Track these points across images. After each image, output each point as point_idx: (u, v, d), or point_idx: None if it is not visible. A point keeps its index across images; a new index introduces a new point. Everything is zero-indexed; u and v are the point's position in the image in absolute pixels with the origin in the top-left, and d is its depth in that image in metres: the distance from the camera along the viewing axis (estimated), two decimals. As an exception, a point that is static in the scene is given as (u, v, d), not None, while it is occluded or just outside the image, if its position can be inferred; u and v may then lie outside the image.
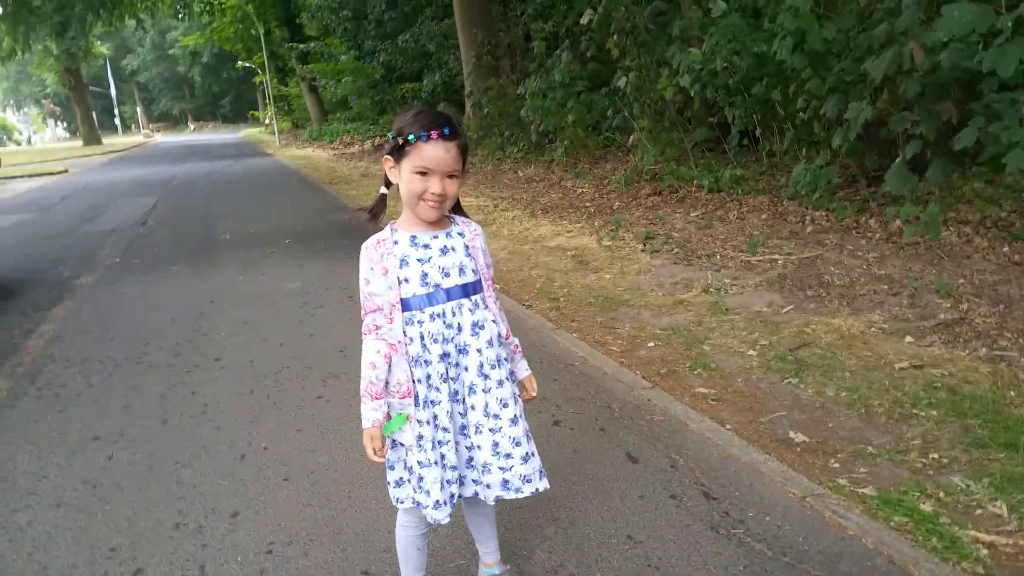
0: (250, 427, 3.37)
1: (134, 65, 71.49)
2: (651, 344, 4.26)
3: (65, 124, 69.50)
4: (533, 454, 1.87)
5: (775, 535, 2.35)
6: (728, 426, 3.17)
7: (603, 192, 9.28)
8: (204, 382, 3.94)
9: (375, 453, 1.78)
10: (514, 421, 1.82)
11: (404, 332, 1.75)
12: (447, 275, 1.76)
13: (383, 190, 1.82)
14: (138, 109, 73.64)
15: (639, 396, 3.50)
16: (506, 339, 1.91)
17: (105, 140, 46.57)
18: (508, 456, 1.81)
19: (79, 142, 45.26)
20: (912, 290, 4.59)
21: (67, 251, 8.19)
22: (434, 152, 1.65)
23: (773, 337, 4.17)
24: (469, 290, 1.78)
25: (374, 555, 2.33)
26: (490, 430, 1.80)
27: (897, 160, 5.38)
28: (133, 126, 73.01)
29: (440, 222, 1.79)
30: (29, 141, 66.19)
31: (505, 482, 1.83)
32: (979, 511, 2.46)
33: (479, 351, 1.79)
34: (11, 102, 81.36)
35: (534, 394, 2.00)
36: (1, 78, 74.30)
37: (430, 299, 1.75)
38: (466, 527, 2.14)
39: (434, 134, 1.64)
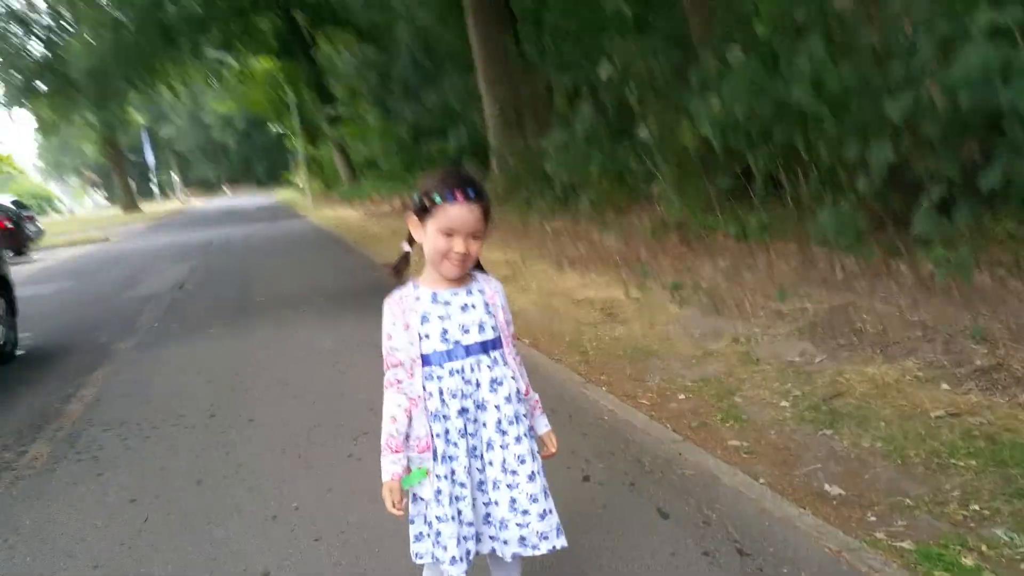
0: (282, 487, 3.39)
1: (170, 133, 73.90)
2: (681, 396, 4.23)
3: (105, 193, 71.72)
4: (551, 511, 1.88)
5: (811, 592, 2.30)
6: (762, 480, 3.13)
7: (630, 243, 9.30)
8: (238, 442, 3.99)
9: (394, 506, 1.80)
10: (532, 478, 1.84)
11: (424, 387, 1.79)
12: (467, 332, 1.80)
13: (405, 247, 1.88)
14: (174, 175, 75.83)
15: (670, 449, 3.47)
16: (526, 395, 1.94)
17: (143, 206, 47.97)
18: (525, 513, 1.83)
19: (118, 209, 46.66)
20: (947, 336, 4.52)
21: (107, 317, 8.39)
22: (459, 213, 1.71)
23: (806, 387, 4.12)
24: (488, 347, 1.82)
25: None
26: (508, 486, 1.82)
27: (924, 203, 5.35)
28: (169, 192, 75.14)
29: (462, 279, 1.84)
30: (71, 211, 68.40)
31: (522, 539, 1.83)
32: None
33: (497, 407, 1.82)
34: (54, 174, 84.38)
35: (553, 450, 2.01)
36: (45, 151, 77.31)
37: (449, 355, 1.79)
38: None
39: (459, 196, 1.71)
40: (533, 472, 1.84)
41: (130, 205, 43.84)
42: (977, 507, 2.75)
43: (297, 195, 39.70)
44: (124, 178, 45.12)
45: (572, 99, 13.01)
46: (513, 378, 1.86)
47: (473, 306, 1.83)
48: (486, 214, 1.77)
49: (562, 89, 13.42)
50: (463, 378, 1.80)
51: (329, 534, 2.92)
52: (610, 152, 10.72)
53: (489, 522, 1.86)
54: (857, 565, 2.42)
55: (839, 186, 6.88)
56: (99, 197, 72.61)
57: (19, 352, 6.83)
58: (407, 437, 1.83)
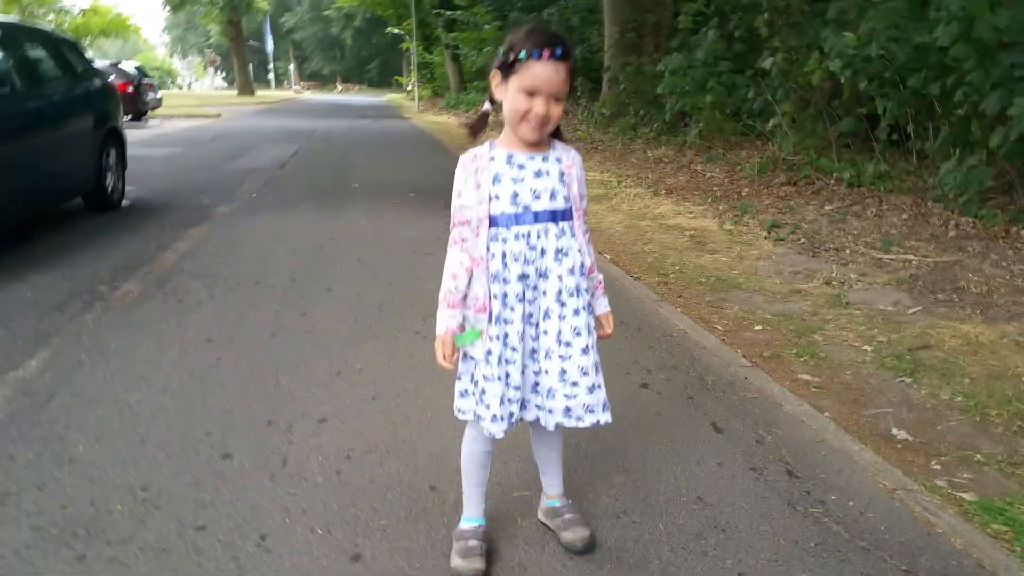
0: (349, 349, 3.50)
1: (291, 23, 74.99)
2: (758, 327, 4.11)
3: (224, 74, 73.95)
4: (599, 386, 1.85)
5: (856, 520, 2.23)
6: (826, 414, 3.02)
7: (734, 179, 8.97)
8: (314, 306, 4.13)
9: (445, 359, 1.81)
10: (585, 351, 1.81)
11: (488, 247, 1.77)
12: (538, 197, 1.76)
13: (486, 106, 1.82)
14: (291, 66, 77.31)
15: (735, 372, 3.38)
16: (589, 273, 1.89)
17: (258, 92, 49.25)
18: (575, 384, 1.80)
19: (235, 91, 48.11)
20: (1058, 305, 4.21)
21: (209, 183, 8.74)
22: (544, 72, 1.63)
23: (893, 335, 3.93)
24: (558, 216, 1.78)
25: (443, 474, 2.38)
26: (560, 357, 1.79)
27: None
28: (285, 82, 76.84)
29: (540, 144, 1.78)
30: (190, 87, 71.03)
31: (568, 410, 1.82)
32: (1098, 533, 2.24)
33: (559, 277, 1.78)
34: (178, 49, 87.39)
35: (610, 331, 1.97)
36: (171, 26, 79.92)
37: (517, 219, 1.75)
38: (533, 459, 2.15)
39: (546, 53, 1.62)
40: (587, 346, 1.81)
41: (245, 88, 45.06)
42: (1055, 473, 2.59)
43: (406, 98, 39.91)
44: (243, 61, 46.25)
45: (698, 23, 12.45)
46: (579, 251, 1.82)
47: (548, 173, 1.77)
48: (572, 75, 1.69)
49: (690, 10, 12.85)
50: (528, 244, 1.76)
51: (386, 395, 3.01)
52: (729, 81, 10.25)
53: (537, 391, 1.85)
54: (911, 505, 2.32)
55: (970, 142, 6.40)
56: (218, 79, 74.94)
57: (125, 203, 7.23)
58: (465, 297, 1.82)
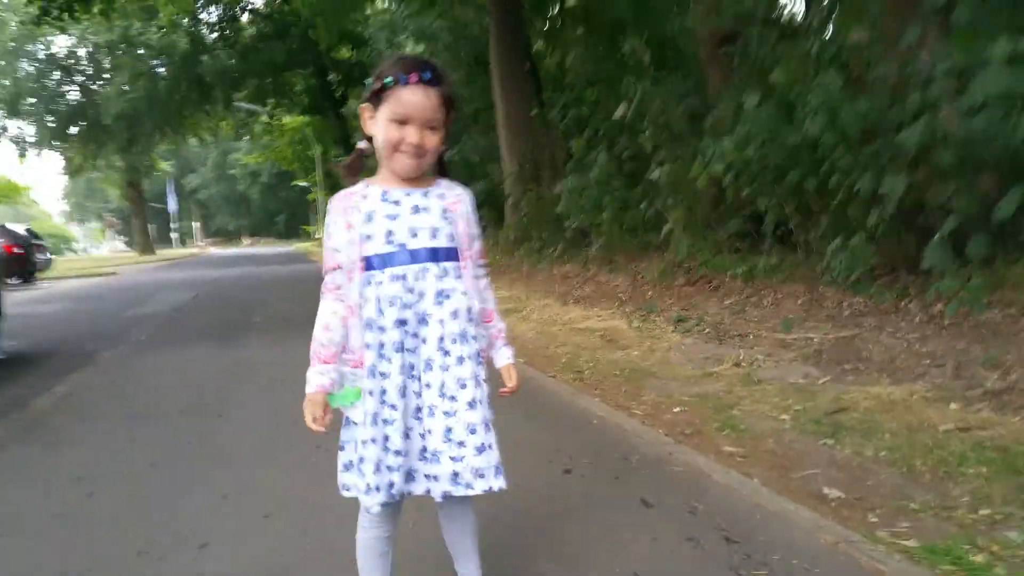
0: (241, 471, 3.18)
1: (195, 183, 75.17)
2: (677, 409, 4.00)
3: (125, 238, 72.63)
4: (491, 447, 1.63)
5: (803, 577, 2.05)
6: (756, 479, 2.89)
7: (637, 285, 9.13)
8: (204, 433, 3.78)
9: (315, 421, 1.58)
10: (472, 405, 1.61)
11: (361, 293, 1.60)
12: (415, 235, 1.60)
13: (361, 144, 1.70)
14: (195, 224, 76.84)
15: (661, 450, 3.23)
16: (488, 321, 1.74)
17: (160, 252, 48.33)
18: (461, 444, 1.60)
19: (135, 253, 47.08)
20: (956, 363, 4.29)
21: (99, 331, 8.24)
22: (413, 97, 1.53)
23: (808, 403, 3.88)
24: (440, 255, 1.62)
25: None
26: (444, 413, 1.59)
27: (936, 236, 5.17)
28: (188, 240, 76.03)
29: (420, 180, 1.65)
30: (86, 251, 69.25)
31: (455, 475, 1.60)
32: (1042, 565, 2.13)
33: (441, 322, 1.60)
34: (77, 217, 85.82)
35: (512, 385, 1.76)
36: (71, 194, 78.84)
37: (392, 259, 1.59)
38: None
39: (413, 77, 1.53)
40: (474, 399, 1.61)
41: (147, 249, 44.14)
42: (988, 511, 2.50)
43: (315, 246, 39.98)
44: (143, 221, 45.57)
45: (589, 146, 13.07)
46: (465, 294, 1.64)
47: (427, 209, 1.63)
48: (447, 102, 1.58)
49: (580, 140, 13.50)
50: (405, 286, 1.59)
51: (281, 512, 2.70)
52: (622, 196, 10.66)
53: (424, 458, 1.62)
54: (857, 556, 2.18)
55: (849, 226, 6.73)
56: (118, 242, 73.54)
57: (1, 356, 6.66)
58: (343, 350, 1.63)
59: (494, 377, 1.76)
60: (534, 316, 7.65)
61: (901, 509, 2.60)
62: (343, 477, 1.65)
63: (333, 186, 37.30)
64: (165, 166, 51.26)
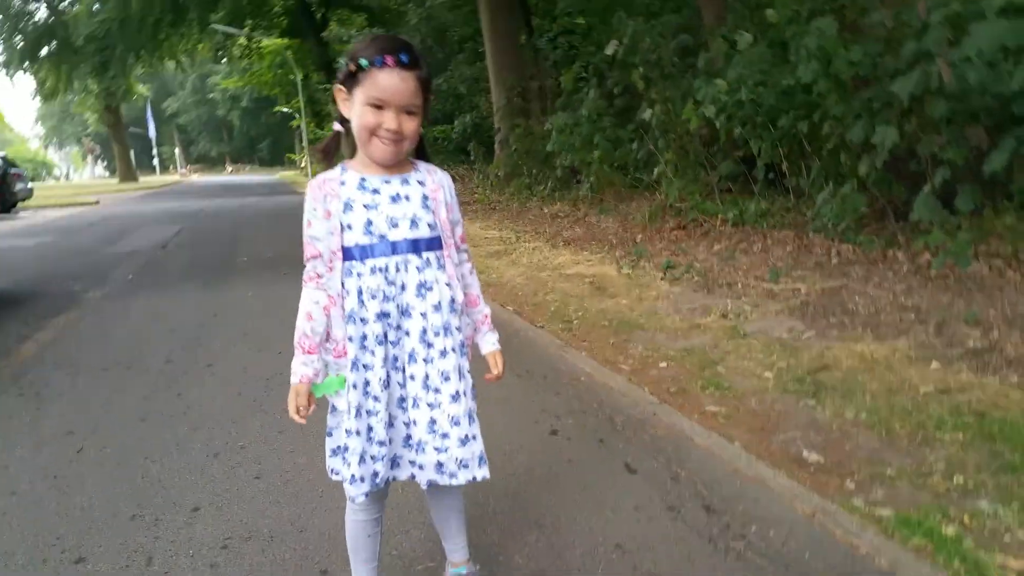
0: (231, 428, 3.20)
1: (174, 107, 73.47)
2: (663, 364, 4.04)
3: (105, 163, 71.39)
4: (474, 438, 1.65)
5: (778, 551, 2.12)
6: (737, 443, 2.94)
7: (627, 227, 9.11)
8: (192, 385, 3.80)
9: (297, 412, 1.58)
10: (455, 398, 1.61)
11: (343, 284, 1.57)
12: (395, 226, 1.56)
13: (336, 127, 1.64)
14: (176, 150, 75.44)
15: (644, 411, 3.28)
16: (472, 306, 1.73)
17: (142, 179, 47.59)
18: (445, 436, 1.60)
19: (116, 180, 46.36)
20: (940, 319, 4.34)
21: (83, 269, 8.18)
22: (389, 81, 1.47)
23: (791, 360, 3.94)
24: (421, 246, 1.59)
25: (337, 554, 2.12)
26: (428, 405, 1.60)
27: (925, 188, 5.16)
28: (171, 167, 74.74)
29: (398, 166, 1.60)
30: (67, 177, 68.05)
31: (439, 465, 1.61)
32: (1007, 537, 2.20)
33: (423, 315, 1.59)
34: (54, 141, 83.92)
35: (498, 372, 1.76)
36: (45, 117, 76.90)
37: (372, 250, 1.56)
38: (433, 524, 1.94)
39: (389, 59, 1.46)
40: (458, 392, 1.61)
41: (127, 175, 43.42)
42: (961, 479, 2.56)
43: (299, 175, 39.43)
44: (123, 148, 44.68)
45: (579, 82, 12.84)
46: (448, 285, 1.62)
47: (407, 197, 1.58)
48: (424, 86, 1.52)
49: (570, 73, 13.24)
50: (386, 278, 1.56)
51: (271, 474, 2.73)
52: (613, 135, 10.53)
53: (409, 444, 1.64)
54: (832, 528, 2.24)
55: (840, 173, 6.71)
56: (99, 168, 72.28)
57: (-17, 297, 6.63)
58: (326, 338, 1.62)
59: (478, 363, 1.76)
60: (523, 260, 7.64)
61: (877, 475, 2.66)
62: (331, 462, 1.67)
63: (316, 113, 36.67)
64: (143, 90, 49.96)
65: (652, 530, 2.25)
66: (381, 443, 1.60)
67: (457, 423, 1.61)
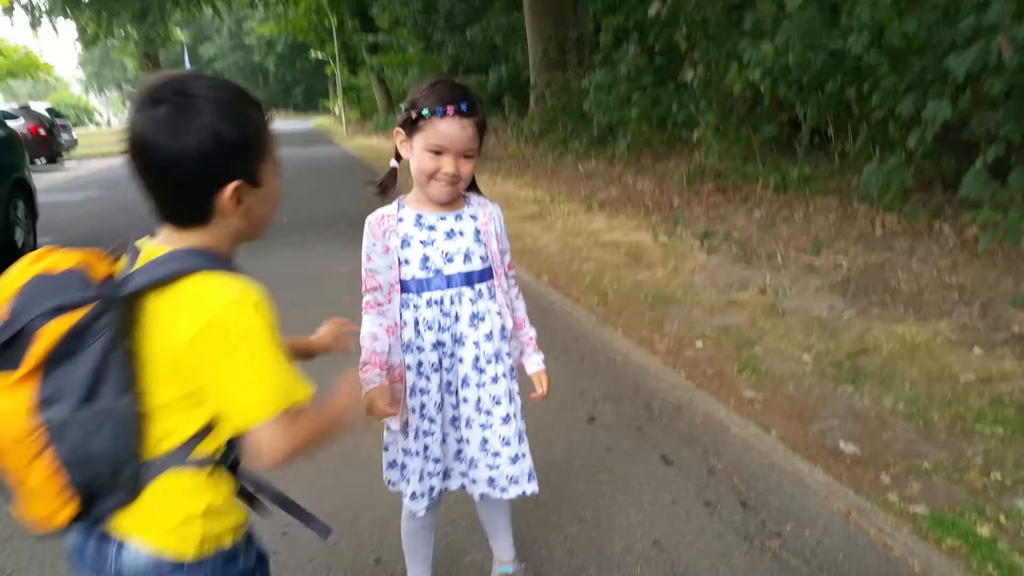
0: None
1: (211, 53, 73.57)
2: (699, 344, 4.08)
3: (146, 108, 71.81)
4: (524, 456, 1.75)
5: (813, 550, 2.18)
6: (773, 432, 2.99)
7: (664, 188, 9.05)
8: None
9: (385, 407, 1.62)
10: (506, 420, 1.70)
11: (400, 315, 1.66)
12: (450, 260, 1.65)
13: (393, 163, 1.71)
14: (215, 96, 75.55)
15: (681, 397, 3.34)
16: (518, 330, 1.80)
17: (181, 125, 47.87)
18: (496, 455, 1.71)
19: (157, 126, 46.75)
20: (985, 300, 4.30)
21: (130, 227, 8.31)
22: (449, 129, 1.53)
23: (831, 342, 3.95)
24: (473, 278, 1.67)
25: (388, 543, 2.24)
26: (480, 426, 1.70)
27: (977, 163, 5.05)
28: (209, 112, 74.94)
29: (453, 202, 1.68)
30: (108, 123, 68.92)
31: (491, 480, 1.73)
32: (1046, 540, 2.24)
33: (476, 344, 1.68)
34: (94, 85, 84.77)
35: (543, 391, 1.84)
36: (86, 62, 77.63)
37: (428, 284, 1.64)
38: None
39: (450, 110, 1.52)
40: (508, 415, 1.71)
41: (167, 123, 43.83)
42: (999, 476, 2.60)
43: (333, 122, 39.49)
44: (163, 95, 45.03)
45: (619, 38, 12.59)
46: (499, 314, 1.71)
47: (461, 233, 1.66)
48: (480, 131, 1.59)
49: (610, 28, 12.97)
50: (441, 310, 1.65)
51: (323, 458, 2.83)
52: (652, 94, 10.37)
53: (460, 459, 1.75)
54: (865, 527, 2.29)
55: (888, 142, 6.57)
56: (139, 113, 72.87)
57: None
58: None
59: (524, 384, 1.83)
60: (558, 225, 7.64)
61: (914, 468, 2.70)
62: (387, 474, 1.77)
63: (350, 60, 36.44)
64: (181, 36, 50.04)
65: (689, 526, 2.32)
66: (436, 460, 1.70)
67: (508, 443, 1.70)
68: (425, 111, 1.53)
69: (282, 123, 51.35)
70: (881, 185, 5.90)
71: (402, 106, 1.61)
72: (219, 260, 1.09)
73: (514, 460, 1.71)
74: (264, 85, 76.82)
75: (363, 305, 1.72)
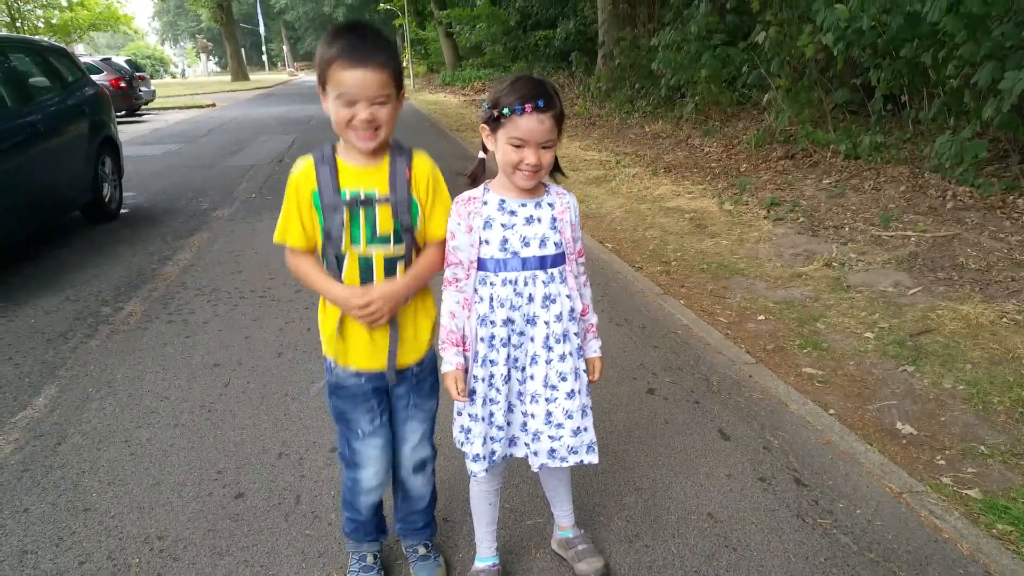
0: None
1: (282, 3, 74.16)
2: (761, 317, 4.13)
3: (216, 59, 73.35)
4: (586, 430, 1.86)
5: (864, 529, 2.27)
6: (831, 411, 3.05)
7: (731, 152, 8.94)
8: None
9: (459, 393, 1.82)
10: (571, 395, 1.82)
11: (476, 290, 1.80)
12: (527, 244, 1.77)
13: (481, 154, 1.84)
14: (284, 47, 76.58)
15: (740, 371, 3.41)
16: (583, 315, 1.91)
17: (252, 76, 48.87)
18: (559, 426, 1.83)
19: (228, 76, 47.69)
20: (1059, 280, 4.21)
21: (207, 184, 8.72)
22: (529, 124, 1.66)
23: (894, 320, 3.95)
24: (547, 262, 1.79)
25: (455, 504, 2.41)
26: (546, 400, 1.82)
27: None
28: (279, 63, 76.18)
29: (534, 189, 1.80)
30: (183, 74, 70.48)
31: (552, 451, 1.84)
32: (1098, 529, 2.28)
33: (547, 323, 1.79)
34: (169, 35, 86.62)
35: (595, 377, 1.95)
36: (161, 13, 79.23)
37: (505, 264, 1.77)
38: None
39: (528, 107, 1.65)
40: (573, 390, 1.83)
41: (238, 73, 44.64)
42: (1058, 464, 2.62)
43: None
44: (235, 46, 45.85)
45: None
46: (568, 296, 1.82)
47: (539, 220, 1.79)
48: (558, 122, 1.71)
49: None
50: (515, 290, 1.78)
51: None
52: (722, 54, 10.16)
53: (526, 430, 1.88)
54: (917, 509, 2.36)
55: (964, 111, 6.35)
56: (211, 64, 74.35)
57: (123, 211, 7.21)
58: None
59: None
60: (623, 189, 7.66)
61: (969, 452, 2.74)
62: (458, 436, 1.91)
63: (418, 12, 36.30)
64: (253, -14, 50.62)
65: (743, 500, 2.43)
66: (500, 427, 1.84)
67: (571, 416, 1.83)
68: (506, 110, 1.66)
69: (348, 75, 51.61)
70: (954, 156, 5.74)
71: (484, 104, 1.74)
72: (320, 146, 1.79)
73: (576, 432, 1.83)
74: (331, 37, 77.05)
75: (443, 281, 1.85)
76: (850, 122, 8.32)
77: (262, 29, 65.25)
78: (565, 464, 1.86)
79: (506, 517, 2.34)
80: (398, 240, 1.77)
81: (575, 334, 1.84)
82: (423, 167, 1.80)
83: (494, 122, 1.71)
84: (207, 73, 64.73)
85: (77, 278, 5.04)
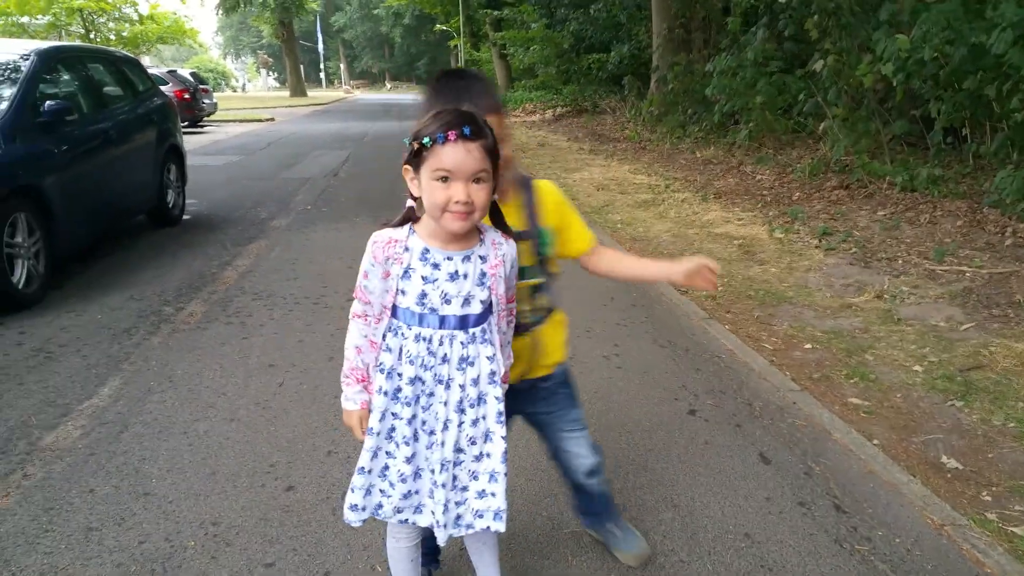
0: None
1: (341, 22, 76.08)
2: (808, 346, 4.11)
3: (275, 75, 75.37)
4: (493, 495, 1.68)
5: (903, 558, 2.26)
6: (876, 441, 3.04)
7: (784, 181, 8.89)
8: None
9: (360, 435, 1.68)
10: (478, 458, 1.67)
11: (384, 338, 1.61)
12: (448, 302, 1.58)
13: (409, 202, 1.62)
14: (341, 65, 78.42)
15: (784, 398, 3.41)
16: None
17: (310, 92, 50.08)
18: (464, 489, 1.68)
19: (287, 92, 48.98)
20: (1120, 322, 4.12)
21: (266, 195, 8.99)
22: (454, 154, 1.46)
23: (944, 355, 3.90)
24: (468, 322, 1.60)
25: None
26: (454, 463, 1.65)
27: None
28: (336, 81, 77.98)
29: (465, 238, 1.59)
30: (243, 88, 72.59)
31: (458, 518, 1.69)
32: None
33: (461, 387, 1.61)
34: (231, 50, 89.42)
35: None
36: (224, 27, 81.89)
37: (420, 320, 1.58)
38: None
39: (452, 135, 1.45)
40: (482, 453, 1.67)
41: (297, 89, 45.85)
42: (1108, 507, 2.57)
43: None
44: (295, 62, 47.17)
45: (747, 21, 12.30)
46: (489, 358, 1.63)
47: (465, 275, 1.58)
48: (490, 154, 1.50)
49: (739, 9, 12.69)
50: (428, 348, 1.58)
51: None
52: (779, 82, 10.14)
53: (433, 497, 1.68)
54: (959, 542, 2.34)
55: (1027, 147, 6.26)
56: (271, 79, 76.41)
57: (186, 217, 7.50)
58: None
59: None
60: (671, 213, 7.68)
61: (1018, 489, 2.70)
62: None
63: (474, 33, 36.84)
64: (314, 4, 52.04)
65: (781, 523, 2.44)
66: (394, 484, 1.66)
67: (476, 477, 1.68)
68: (426, 139, 1.47)
69: (406, 94, 52.62)
70: (1016, 191, 5.65)
71: (405, 141, 1.55)
72: None
73: (481, 495, 1.68)
74: (390, 56, 78.87)
75: (351, 313, 1.70)
76: (908, 154, 8.23)
77: (321, 47, 66.93)
78: (471, 531, 1.69)
79: (544, 525, 2.39)
80: None
81: (496, 398, 1.65)
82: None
83: (415, 159, 1.51)
84: (266, 88, 66.55)
85: (141, 278, 5.27)
